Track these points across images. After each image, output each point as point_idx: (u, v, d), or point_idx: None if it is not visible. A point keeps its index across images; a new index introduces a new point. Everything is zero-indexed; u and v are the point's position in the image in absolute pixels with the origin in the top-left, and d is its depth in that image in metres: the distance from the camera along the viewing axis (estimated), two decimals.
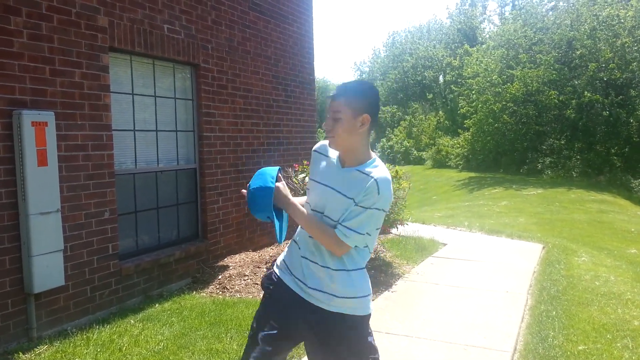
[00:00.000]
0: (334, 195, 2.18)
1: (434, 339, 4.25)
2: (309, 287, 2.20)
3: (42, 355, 3.91)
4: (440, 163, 28.32)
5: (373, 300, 5.27)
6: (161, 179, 5.86)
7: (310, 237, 2.21)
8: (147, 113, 5.70)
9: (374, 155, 2.25)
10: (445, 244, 8.07)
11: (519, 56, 23.50)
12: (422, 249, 7.54)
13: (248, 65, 7.03)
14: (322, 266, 2.19)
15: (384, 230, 8.07)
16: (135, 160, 5.55)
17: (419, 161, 31.11)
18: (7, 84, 4.13)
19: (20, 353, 3.94)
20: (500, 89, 23.34)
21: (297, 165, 7.04)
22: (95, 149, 4.87)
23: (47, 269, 4.27)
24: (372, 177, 2.12)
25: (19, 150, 4.14)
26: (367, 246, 2.20)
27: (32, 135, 4.20)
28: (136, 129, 5.55)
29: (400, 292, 5.60)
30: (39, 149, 4.25)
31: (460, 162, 26.46)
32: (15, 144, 4.15)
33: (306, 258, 2.23)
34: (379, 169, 2.17)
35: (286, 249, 2.39)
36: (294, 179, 6.66)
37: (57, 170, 4.41)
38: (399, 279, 6.07)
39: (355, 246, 2.16)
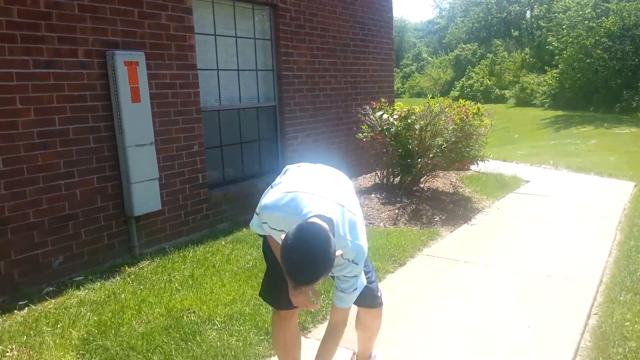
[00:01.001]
0: None
1: (514, 269, 4.24)
2: None
3: (145, 269, 4.32)
4: (524, 102, 26.88)
5: (452, 232, 5.32)
6: (243, 116, 6.07)
7: None
8: (228, 53, 5.85)
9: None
10: (528, 181, 7.84)
11: None
12: (503, 185, 7.37)
13: (325, 4, 6.96)
14: None
15: (463, 167, 7.95)
16: (219, 98, 5.76)
17: (501, 100, 29.68)
18: (100, 26, 4.36)
19: (126, 267, 4.38)
20: (594, 24, 21.53)
21: (374, 103, 7.02)
22: (182, 87, 5.10)
23: (145, 195, 4.64)
24: (347, 260, 1.98)
25: (114, 88, 4.41)
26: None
27: (125, 74, 4.45)
28: (219, 68, 5.72)
29: (480, 225, 5.56)
30: (132, 87, 4.51)
31: (547, 100, 24.98)
32: (111, 82, 4.43)
33: None
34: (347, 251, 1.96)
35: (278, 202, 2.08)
36: (372, 116, 6.66)
37: (149, 106, 4.68)
38: (478, 213, 6.02)
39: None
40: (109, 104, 4.46)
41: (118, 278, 4.18)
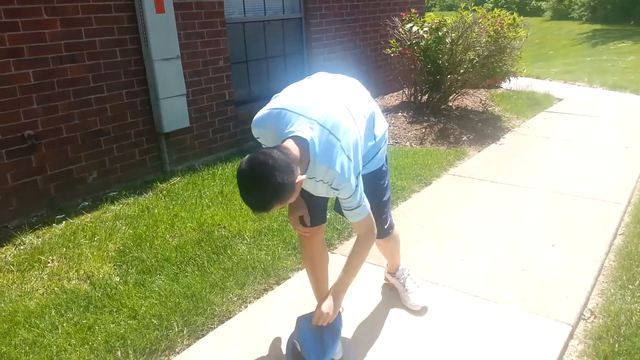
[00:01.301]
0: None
1: (541, 189, 4.21)
2: None
3: (176, 186, 4.42)
4: (562, 14, 25.51)
5: (479, 152, 5.26)
6: (268, 29, 5.90)
7: None
8: None
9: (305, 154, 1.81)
10: (560, 99, 7.60)
11: None
12: (534, 103, 7.17)
13: None
14: None
15: (494, 83, 7.72)
16: (244, 9, 5.58)
17: (536, 12, 28.20)
18: None
19: (158, 183, 4.48)
20: None
21: (404, 14, 6.73)
22: None
23: (174, 111, 4.65)
24: (327, 183, 1.90)
25: None
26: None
27: None
28: None
29: (508, 144, 5.48)
30: None
31: (585, 13, 23.66)
32: None
33: None
34: (323, 169, 1.87)
35: None
36: (401, 29, 6.41)
37: (174, 17, 4.56)
38: (507, 132, 5.91)
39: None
40: (134, 15, 4.36)
41: (151, 194, 4.29)
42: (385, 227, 2.41)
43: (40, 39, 3.79)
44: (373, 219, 2.07)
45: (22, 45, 3.69)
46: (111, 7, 4.20)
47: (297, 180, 1.71)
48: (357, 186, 1.93)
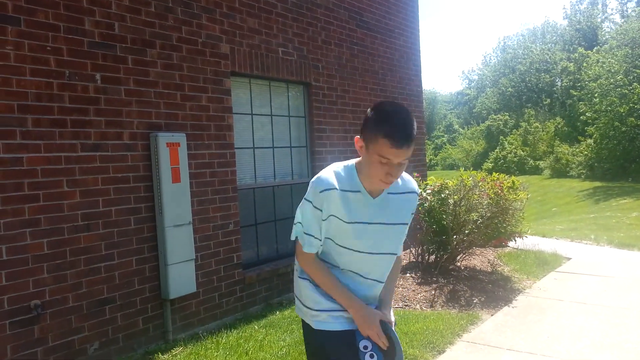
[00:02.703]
0: (395, 229, 2.11)
1: (561, 358, 4.02)
2: None
3: (178, 357, 4.24)
4: (560, 172, 26.57)
5: (492, 315, 5.12)
6: (277, 193, 6.15)
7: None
8: (263, 131, 6.03)
9: None
10: (569, 258, 7.58)
11: None
12: (543, 263, 7.14)
13: (356, 80, 7.18)
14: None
15: (500, 243, 7.77)
16: (255, 175, 5.88)
17: (535, 171, 29.41)
18: (145, 109, 4.58)
19: (159, 353, 4.31)
20: (626, 90, 21.55)
21: None
22: (220, 166, 5.23)
23: (181, 276, 4.66)
24: (414, 192, 2.18)
25: (156, 169, 4.56)
26: None
27: (167, 155, 4.61)
28: (255, 146, 5.88)
29: (521, 307, 5.35)
30: (173, 167, 4.65)
31: (583, 171, 24.64)
32: (153, 164, 4.58)
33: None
34: (405, 179, 2.18)
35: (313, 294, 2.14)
36: None
37: (189, 186, 4.80)
38: (519, 294, 5.81)
39: None
40: (150, 185, 4.59)
41: None
42: None
43: (58, 210, 3.94)
44: None
45: (40, 215, 3.84)
46: (130, 179, 4.44)
47: None
48: None
